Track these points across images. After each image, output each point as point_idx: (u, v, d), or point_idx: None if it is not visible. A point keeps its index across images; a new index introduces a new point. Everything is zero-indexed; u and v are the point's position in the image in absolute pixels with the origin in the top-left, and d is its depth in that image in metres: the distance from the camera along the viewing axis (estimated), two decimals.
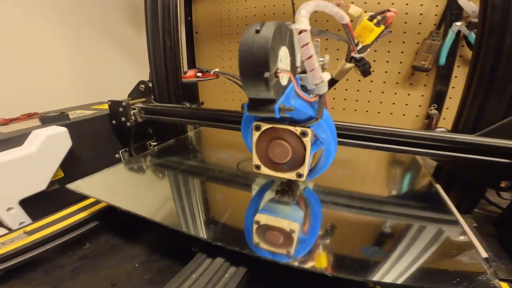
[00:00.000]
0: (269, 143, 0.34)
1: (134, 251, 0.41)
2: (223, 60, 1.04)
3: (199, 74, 0.67)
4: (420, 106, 0.87)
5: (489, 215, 0.40)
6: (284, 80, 0.26)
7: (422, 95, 0.86)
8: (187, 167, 0.56)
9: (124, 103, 0.65)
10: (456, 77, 0.82)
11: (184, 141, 0.70)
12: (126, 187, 0.49)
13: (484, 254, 0.32)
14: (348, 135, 0.46)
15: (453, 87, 0.83)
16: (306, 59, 0.26)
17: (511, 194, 0.46)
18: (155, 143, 0.71)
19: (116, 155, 0.69)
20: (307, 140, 0.32)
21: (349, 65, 0.46)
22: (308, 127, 0.31)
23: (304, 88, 0.35)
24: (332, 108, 0.94)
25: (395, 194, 0.45)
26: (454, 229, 0.34)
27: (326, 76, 0.27)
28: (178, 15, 0.63)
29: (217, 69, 0.67)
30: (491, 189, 0.42)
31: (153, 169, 0.57)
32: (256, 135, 0.34)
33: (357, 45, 0.42)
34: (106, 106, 0.71)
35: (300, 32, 0.25)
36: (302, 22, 0.25)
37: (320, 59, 0.43)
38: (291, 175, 0.35)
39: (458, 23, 0.75)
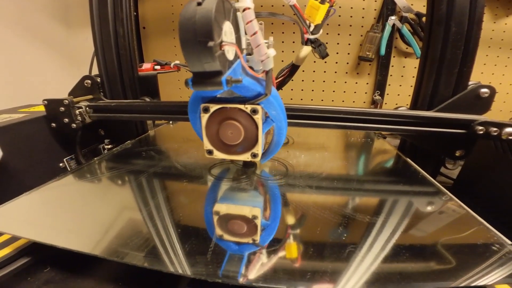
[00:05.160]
0: (219, 125, 0.33)
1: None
2: (176, 56, 0.97)
3: (158, 67, 0.61)
4: (366, 93, 0.96)
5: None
6: (230, 54, 0.25)
7: (367, 83, 0.95)
8: (153, 174, 0.45)
9: (67, 101, 0.55)
10: (392, 66, 0.93)
11: (146, 141, 0.63)
12: (66, 210, 0.37)
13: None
14: (323, 117, 0.47)
15: (390, 75, 0.93)
16: (251, 35, 0.26)
17: (454, 164, 0.53)
18: (109, 146, 0.62)
19: (60, 164, 0.58)
20: (258, 118, 0.32)
21: (306, 48, 0.47)
22: (258, 104, 0.31)
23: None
24: (291, 99, 0.97)
25: (372, 172, 0.49)
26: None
27: (272, 52, 0.28)
28: (131, 2, 0.56)
29: (177, 61, 0.63)
30: (448, 158, 0.49)
31: (106, 180, 0.45)
32: (205, 117, 0.33)
33: (309, 26, 0.44)
34: (38, 108, 0.60)
35: (244, 10, 0.26)
36: (246, 0, 0.26)
37: (265, 41, 0.44)
38: (246, 156, 0.34)
39: (393, 17, 0.85)
